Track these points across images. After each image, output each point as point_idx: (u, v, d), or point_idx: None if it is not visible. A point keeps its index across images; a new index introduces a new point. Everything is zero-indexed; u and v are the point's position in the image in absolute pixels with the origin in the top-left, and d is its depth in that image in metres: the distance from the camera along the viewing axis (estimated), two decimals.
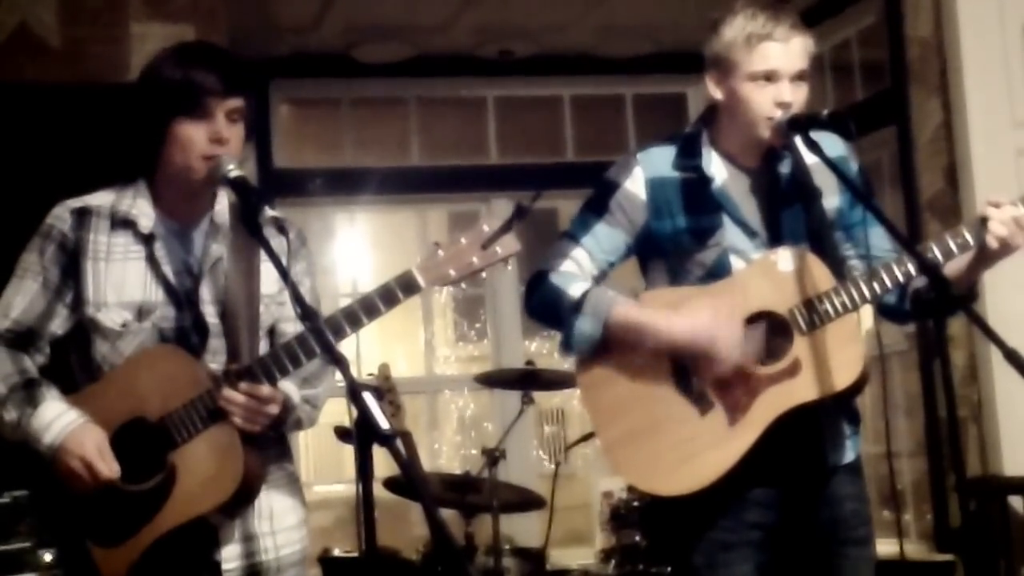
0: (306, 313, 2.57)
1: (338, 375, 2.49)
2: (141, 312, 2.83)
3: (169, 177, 2.86)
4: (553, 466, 6.22)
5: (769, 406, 2.92)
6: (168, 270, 2.85)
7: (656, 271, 3.13)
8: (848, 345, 2.92)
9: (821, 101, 6.04)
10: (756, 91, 2.98)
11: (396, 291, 2.72)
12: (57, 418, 2.77)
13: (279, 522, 2.92)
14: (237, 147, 2.82)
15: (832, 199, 3.08)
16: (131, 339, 2.83)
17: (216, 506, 2.76)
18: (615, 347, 3.01)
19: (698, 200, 3.05)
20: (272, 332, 2.95)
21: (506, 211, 2.76)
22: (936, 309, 2.85)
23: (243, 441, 2.75)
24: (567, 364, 3.56)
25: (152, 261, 2.85)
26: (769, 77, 2.97)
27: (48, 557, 2.79)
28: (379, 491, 2.86)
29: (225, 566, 2.84)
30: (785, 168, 3.07)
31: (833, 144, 3.06)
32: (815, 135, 2.95)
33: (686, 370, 2.98)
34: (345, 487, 8.87)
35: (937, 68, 5.65)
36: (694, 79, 7.29)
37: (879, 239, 3.08)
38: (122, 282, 2.84)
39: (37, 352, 2.88)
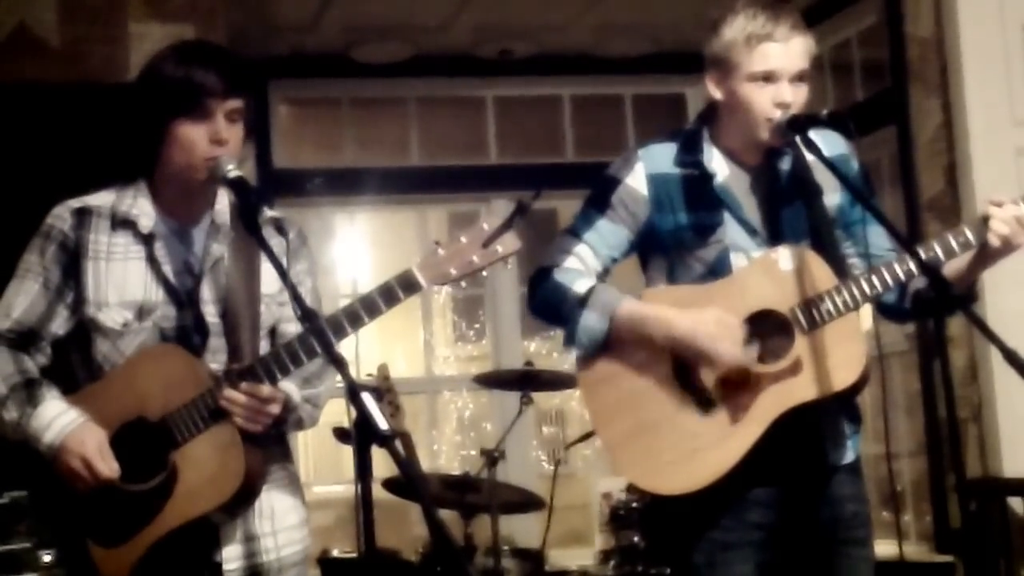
0: (305, 313, 2.57)
1: (338, 376, 2.49)
2: (142, 312, 2.83)
3: (169, 177, 2.86)
4: (552, 466, 6.23)
5: (771, 405, 2.92)
6: (168, 270, 2.85)
7: (656, 268, 3.13)
8: (849, 343, 2.92)
9: (821, 101, 6.04)
10: (756, 91, 2.97)
11: (397, 290, 2.72)
12: (57, 418, 2.77)
13: (280, 522, 2.92)
14: (237, 147, 2.82)
15: (833, 197, 3.08)
16: (132, 339, 2.83)
17: (217, 506, 2.76)
18: (617, 345, 3.01)
19: (700, 197, 3.05)
20: (273, 332, 2.95)
21: (506, 209, 2.75)
22: (936, 309, 2.85)
23: (244, 441, 2.75)
24: (566, 364, 3.57)
25: (152, 261, 2.85)
26: (769, 77, 2.97)
27: (48, 557, 2.78)
28: (378, 491, 2.86)
29: (226, 566, 2.84)
30: (786, 166, 3.07)
31: (834, 143, 3.06)
32: (816, 132, 2.95)
33: (687, 369, 2.98)
34: (344, 487, 8.84)
35: (937, 68, 5.65)
36: (693, 79, 7.29)
37: (878, 238, 3.08)
38: (123, 282, 2.84)
39: (38, 352, 2.88)
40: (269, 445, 2.88)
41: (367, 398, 2.35)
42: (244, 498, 2.80)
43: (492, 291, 7.57)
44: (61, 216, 2.88)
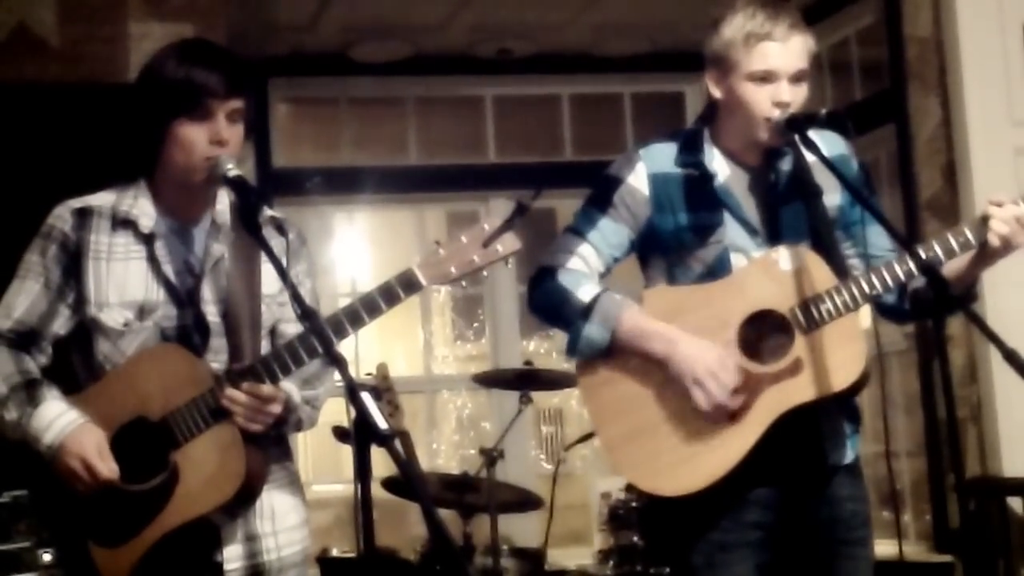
0: (306, 312, 2.57)
1: (337, 375, 2.49)
2: (143, 311, 2.83)
3: (169, 177, 2.86)
4: (551, 466, 6.23)
5: (770, 405, 2.91)
6: (169, 269, 2.85)
7: (656, 268, 3.13)
8: (849, 343, 2.91)
9: (820, 100, 6.03)
10: (755, 91, 2.97)
11: (397, 289, 2.72)
12: (57, 418, 2.77)
13: (281, 522, 2.92)
14: (237, 147, 2.82)
15: (833, 197, 3.08)
16: (133, 338, 2.83)
17: (218, 505, 2.76)
18: (617, 348, 3.01)
19: (700, 197, 3.05)
20: (273, 332, 2.95)
21: (506, 209, 2.75)
22: (935, 309, 2.85)
23: (245, 441, 2.75)
24: (565, 364, 3.56)
25: (153, 260, 2.85)
26: (768, 77, 2.96)
27: (48, 557, 2.78)
28: (377, 491, 2.86)
29: (227, 566, 2.84)
30: (786, 166, 3.07)
31: (834, 142, 3.06)
32: (815, 132, 2.95)
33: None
34: (343, 487, 8.84)
35: (936, 67, 5.65)
36: (692, 78, 7.31)
37: (878, 238, 3.08)
38: (123, 282, 2.84)
39: (39, 352, 2.88)
40: (269, 445, 2.88)
41: (366, 397, 2.35)
42: (245, 498, 2.80)
43: (491, 290, 7.57)
44: (62, 216, 2.88)
